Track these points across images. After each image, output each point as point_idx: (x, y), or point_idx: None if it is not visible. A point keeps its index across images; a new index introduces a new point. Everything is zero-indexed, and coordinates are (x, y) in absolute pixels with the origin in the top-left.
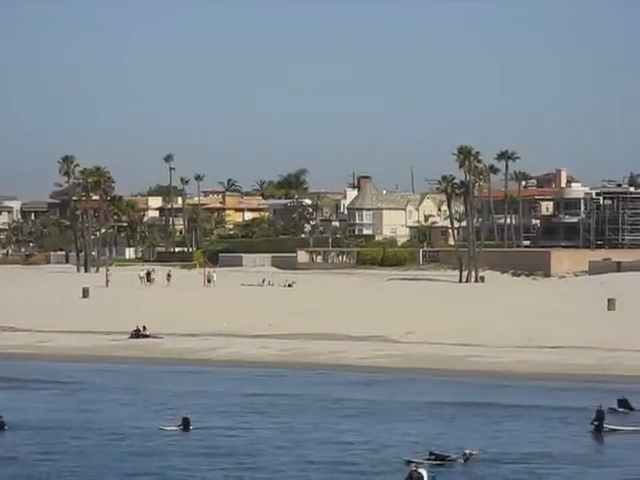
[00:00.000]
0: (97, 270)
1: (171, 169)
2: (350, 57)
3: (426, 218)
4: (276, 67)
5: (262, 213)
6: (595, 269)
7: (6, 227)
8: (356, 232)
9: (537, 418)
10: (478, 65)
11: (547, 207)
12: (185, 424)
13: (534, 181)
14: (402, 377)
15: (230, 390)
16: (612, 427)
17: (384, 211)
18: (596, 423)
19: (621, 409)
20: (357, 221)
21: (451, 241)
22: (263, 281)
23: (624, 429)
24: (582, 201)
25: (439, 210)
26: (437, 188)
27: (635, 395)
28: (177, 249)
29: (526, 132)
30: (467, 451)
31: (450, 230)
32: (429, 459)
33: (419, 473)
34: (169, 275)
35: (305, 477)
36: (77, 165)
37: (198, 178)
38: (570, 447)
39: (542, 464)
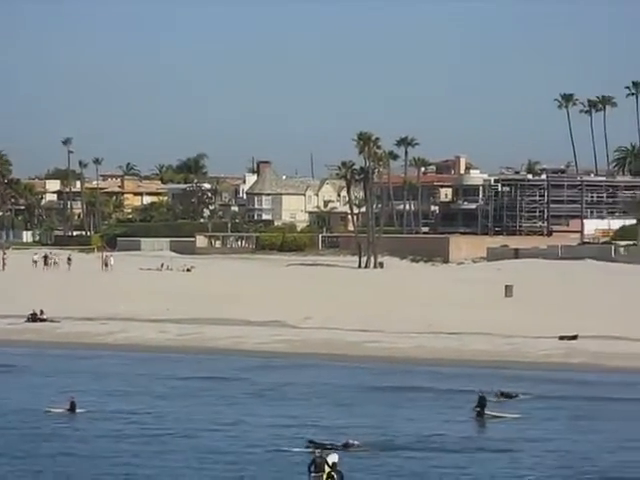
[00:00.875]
0: None
1: (69, 152)
2: (248, 41)
3: (325, 204)
4: (173, 52)
5: (161, 197)
6: (493, 255)
7: None
8: (255, 217)
9: (426, 402)
10: (375, 51)
11: (446, 193)
12: (72, 407)
13: (433, 167)
14: (299, 362)
15: (125, 374)
16: (493, 413)
17: (283, 196)
18: (478, 409)
19: (501, 398)
20: (256, 206)
21: (350, 227)
22: (162, 265)
23: (505, 416)
24: (481, 188)
25: (338, 196)
26: (337, 174)
27: (531, 382)
28: (75, 233)
29: (426, 118)
30: (350, 441)
31: (349, 216)
32: (308, 447)
33: (323, 459)
34: (69, 259)
35: (186, 462)
36: None
37: (97, 162)
38: (454, 432)
39: (427, 449)
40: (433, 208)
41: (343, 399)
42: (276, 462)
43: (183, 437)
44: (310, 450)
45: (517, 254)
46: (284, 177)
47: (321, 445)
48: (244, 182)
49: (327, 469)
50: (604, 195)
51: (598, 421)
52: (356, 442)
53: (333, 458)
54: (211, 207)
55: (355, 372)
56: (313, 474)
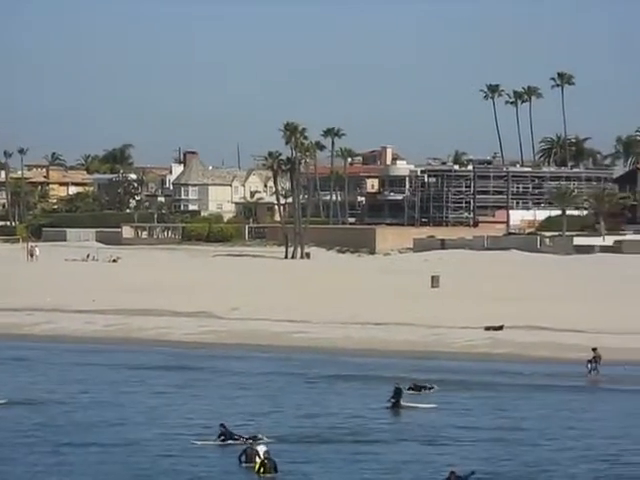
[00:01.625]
0: None
1: None
2: (174, 27)
3: (252, 194)
4: (99, 38)
5: (87, 188)
6: (419, 246)
7: None
8: (182, 208)
9: (346, 393)
10: (302, 42)
11: (372, 184)
12: None
13: (360, 158)
14: (225, 353)
15: (48, 364)
16: (409, 404)
17: (210, 187)
18: (394, 400)
19: (410, 391)
20: (183, 197)
21: (277, 217)
22: (87, 256)
23: (419, 406)
24: (407, 179)
25: (265, 186)
26: (263, 164)
27: (454, 373)
28: (0, 223)
29: (352, 109)
30: (260, 435)
31: (276, 206)
32: (219, 437)
33: (253, 449)
34: None
35: (103, 454)
36: None
37: (21, 152)
38: (371, 422)
39: (342, 440)
40: (360, 199)
41: (267, 390)
42: (198, 453)
43: (106, 427)
44: (220, 440)
45: (443, 245)
46: (210, 167)
47: (230, 435)
48: (170, 172)
49: (258, 460)
50: (530, 186)
51: (516, 411)
52: (265, 437)
53: (264, 448)
54: (137, 198)
55: (280, 363)
56: (244, 464)
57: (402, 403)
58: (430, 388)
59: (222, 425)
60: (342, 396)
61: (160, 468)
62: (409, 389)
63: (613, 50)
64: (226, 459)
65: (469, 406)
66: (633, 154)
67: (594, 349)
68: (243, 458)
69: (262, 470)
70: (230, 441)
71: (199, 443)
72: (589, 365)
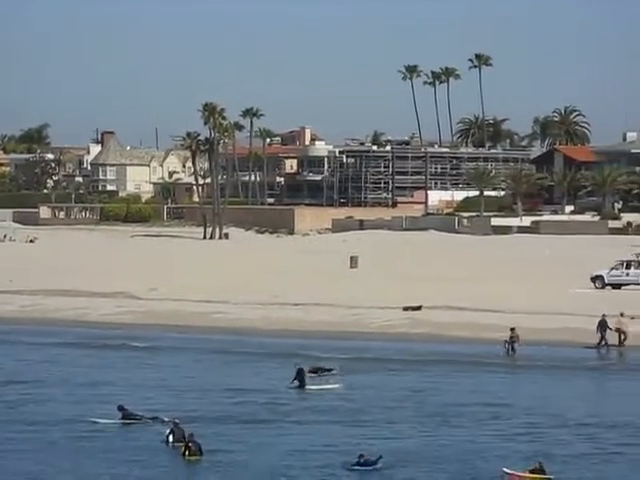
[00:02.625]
0: None
1: None
2: (82, 16)
3: (170, 174)
4: (10, 18)
5: (3, 168)
6: (338, 227)
7: None
8: (100, 188)
9: (254, 371)
10: (220, 21)
11: (291, 165)
12: None
13: (278, 139)
14: (141, 334)
15: None
16: (313, 386)
17: (128, 167)
18: (297, 381)
19: (311, 374)
20: (101, 177)
21: (196, 198)
22: (4, 236)
23: (323, 387)
24: (326, 159)
25: (184, 167)
26: (182, 145)
27: (377, 350)
28: None
29: (271, 90)
30: (166, 419)
31: (194, 187)
32: (122, 417)
33: (180, 429)
34: None
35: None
36: None
37: None
38: (274, 403)
39: (239, 420)
40: (278, 179)
41: (181, 369)
42: (123, 432)
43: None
44: (121, 420)
45: (362, 225)
46: (128, 148)
47: (131, 416)
48: (88, 153)
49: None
50: (448, 167)
51: (423, 393)
52: (166, 418)
53: (189, 430)
54: (55, 178)
55: (197, 343)
56: (173, 444)
57: (307, 385)
58: (330, 370)
59: (121, 407)
60: (256, 376)
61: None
62: (309, 372)
63: (530, 31)
64: (147, 438)
65: (375, 386)
66: (550, 135)
67: (512, 329)
68: (171, 438)
69: (187, 453)
70: (132, 421)
71: (101, 422)
72: (507, 345)
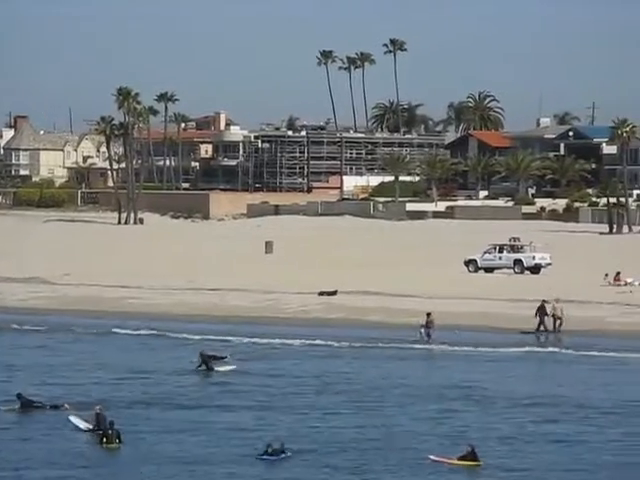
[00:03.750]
0: None
1: None
2: None
3: (84, 159)
4: None
5: None
6: (253, 212)
7: None
8: (13, 172)
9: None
10: (131, 3)
11: (206, 150)
12: None
13: (193, 124)
14: (54, 319)
15: None
16: (217, 368)
17: (41, 152)
18: (202, 367)
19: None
20: (14, 161)
21: (110, 183)
22: None
23: (224, 369)
24: (241, 144)
25: (98, 151)
26: (96, 129)
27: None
28: None
29: (185, 74)
30: (60, 403)
31: (109, 172)
32: (21, 406)
33: (103, 415)
34: None
35: None
36: None
37: None
38: (182, 388)
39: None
40: (193, 164)
41: (89, 355)
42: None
43: None
44: (20, 408)
45: (277, 211)
46: (42, 132)
47: (29, 402)
48: (0, 137)
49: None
50: (363, 152)
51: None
52: (66, 405)
53: (109, 417)
54: None
55: (111, 327)
56: (95, 430)
57: (212, 368)
58: (222, 358)
59: (19, 395)
60: (166, 362)
61: None
62: (206, 359)
63: (444, 17)
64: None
65: (280, 373)
66: (464, 121)
67: (428, 314)
68: (82, 426)
69: (105, 440)
70: (32, 408)
71: (3, 409)
72: (422, 330)
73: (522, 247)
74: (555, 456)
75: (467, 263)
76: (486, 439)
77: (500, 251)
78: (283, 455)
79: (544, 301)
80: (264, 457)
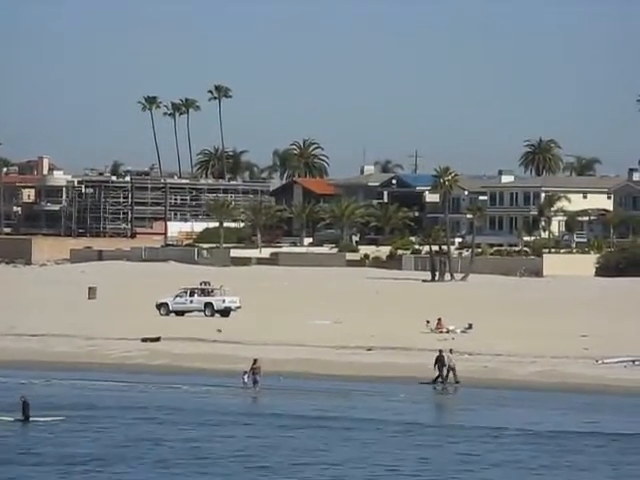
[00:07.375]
0: None
1: None
2: None
3: None
4: None
5: None
6: (77, 257)
7: None
8: None
9: None
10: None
11: (29, 194)
12: None
13: (16, 168)
14: None
15: None
16: (39, 418)
17: None
18: (23, 416)
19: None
20: None
21: None
22: None
23: (47, 419)
24: (64, 189)
25: None
26: None
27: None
28: None
29: (8, 118)
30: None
31: None
32: None
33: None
34: None
35: None
36: None
37: None
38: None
39: None
40: (15, 209)
41: None
42: None
43: None
44: None
45: (101, 256)
46: None
47: None
48: None
49: None
50: (188, 198)
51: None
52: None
53: None
54: None
55: None
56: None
57: (31, 417)
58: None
59: None
60: None
61: None
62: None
63: (270, 62)
64: None
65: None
66: (289, 167)
67: (255, 360)
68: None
69: None
70: None
71: None
72: (246, 376)
73: (213, 291)
74: None
75: (159, 306)
76: None
77: (191, 295)
78: None
79: (441, 351)
80: None
